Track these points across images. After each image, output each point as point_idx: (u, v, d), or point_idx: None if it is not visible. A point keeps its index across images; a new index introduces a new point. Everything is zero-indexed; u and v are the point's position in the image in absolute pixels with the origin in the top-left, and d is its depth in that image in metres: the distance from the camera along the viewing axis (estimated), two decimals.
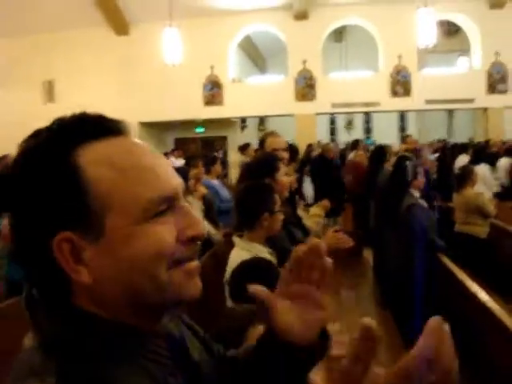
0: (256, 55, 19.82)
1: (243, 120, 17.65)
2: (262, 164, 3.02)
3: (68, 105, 10.71)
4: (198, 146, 16.80)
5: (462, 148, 9.97)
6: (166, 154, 13.02)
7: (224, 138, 16.84)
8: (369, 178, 6.82)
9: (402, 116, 22.12)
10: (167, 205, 0.73)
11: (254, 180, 2.62)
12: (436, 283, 3.96)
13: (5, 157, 10.01)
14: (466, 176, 5.57)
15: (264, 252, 2.38)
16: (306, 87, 14.30)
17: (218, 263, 4.80)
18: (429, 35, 11.55)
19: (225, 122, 16.37)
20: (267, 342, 0.85)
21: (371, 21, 14.16)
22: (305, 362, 0.84)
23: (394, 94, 14.13)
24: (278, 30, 14.60)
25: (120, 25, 14.79)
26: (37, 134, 0.78)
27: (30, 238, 0.71)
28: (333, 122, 22.39)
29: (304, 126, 14.45)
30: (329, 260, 0.79)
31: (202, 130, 16.77)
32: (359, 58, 17.78)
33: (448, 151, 10.27)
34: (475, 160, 8.36)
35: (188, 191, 4.84)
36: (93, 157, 0.72)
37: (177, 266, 0.73)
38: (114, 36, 14.99)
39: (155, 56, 14.28)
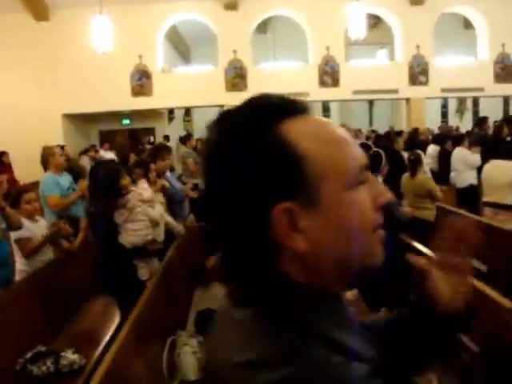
0: (180, 45, 19.47)
1: (171, 111, 17.33)
2: None
3: None
4: (124, 138, 16.30)
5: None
6: (93, 147, 12.54)
7: (151, 130, 16.45)
8: None
9: (326, 106, 22.66)
10: (363, 174, 0.77)
11: None
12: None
13: None
14: (417, 162, 5.78)
15: None
16: (236, 77, 14.26)
17: (185, 255, 4.70)
18: (359, 28, 11.86)
19: (152, 114, 15.99)
20: (422, 309, 0.94)
21: (300, 12, 14.32)
22: (453, 328, 0.95)
23: (323, 84, 14.43)
24: (208, 20, 14.41)
25: (40, 10, 13.97)
26: (229, 115, 0.82)
27: (246, 211, 0.73)
28: None
29: None
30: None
31: (128, 121, 16.29)
32: (286, 48, 17.95)
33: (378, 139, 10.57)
34: (409, 147, 8.70)
35: (149, 182, 4.69)
36: (299, 131, 0.75)
37: (373, 232, 0.78)
38: (33, 22, 14.13)
39: (80, 44, 13.67)
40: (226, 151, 0.75)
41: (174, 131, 18.34)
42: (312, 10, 14.15)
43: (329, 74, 14.41)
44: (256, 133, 0.74)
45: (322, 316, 0.74)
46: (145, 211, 3.89)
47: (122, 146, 14.93)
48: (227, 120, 0.81)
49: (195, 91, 14.02)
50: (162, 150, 5.32)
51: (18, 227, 3.84)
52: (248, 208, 0.73)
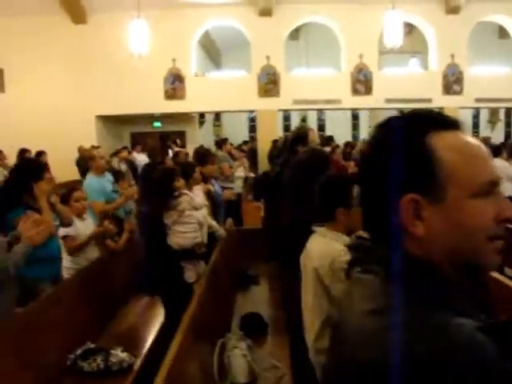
0: (212, 50, 19.62)
1: (202, 115, 17.44)
2: (314, 161, 2.97)
3: (19, 95, 10.38)
4: (155, 140, 16.46)
5: None
6: (125, 148, 12.65)
7: (182, 133, 16.57)
8: None
9: (355, 115, 22.59)
10: (492, 188, 0.92)
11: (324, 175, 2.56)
12: None
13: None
14: None
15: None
16: (269, 83, 14.29)
17: (227, 258, 4.73)
18: (395, 36, 11.80)
19: (183, 117, 16.13)
20: None
21: (334, 20, 14.30)
22: None
23: (355, 92, 14.37)
24: (242, 26, 14.47)
25: (78, 13, 14.22)
26: (392, 121, 0.97)
27: (383, 201, 0.93)
28: (287, 119, 22.52)
29: (266, 122, 14.44)
30: None
31: (159, 124, 16.45)
32: (318, 55, 17.95)
33: None
34: None
35: (193, 183, 4.71)
36: (443, 142, 0.92)
37: (491, 240, 0.91)
38: (71, 25, 14.39)
39: (115, 47, 13.85)
40: (384, 148, 0.94)
41: (205, 135, 18.51)
42: (346, 18, 14.13)
43: (362, 82, 14.35)
44: (408, 137, 0.92)
45: (437, 284, 0.88)
46: (193, 214, 3.92)
47: (153, 148, 15.11)
48: (390, 125, 0.97)
49: (227, 96, 14.09)
50: (211, 155, 5.36)
51: (69, 224, 3.90)
52: (390, 192, 0.90)
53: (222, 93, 14.10)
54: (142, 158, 12.90)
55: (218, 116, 20.57)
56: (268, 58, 14.23)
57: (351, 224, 2.41)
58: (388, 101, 14.42)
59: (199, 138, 17.05)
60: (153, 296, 4.50)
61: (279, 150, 6.03)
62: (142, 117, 15.75)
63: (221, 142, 8.88)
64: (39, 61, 14.28)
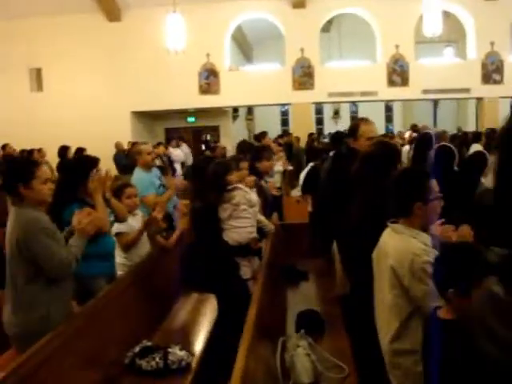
0: (243, 43, 19.53)
1: (235, 110, 17.38)
2: (385, 155, 2.86)
3: (56, 93, 10.46)
4: (189, 135, 16.48)
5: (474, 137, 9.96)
6: (159, 144, 12.62)
7: (216, 128, 16.57)
8: None
9: (389, 106, 22.24)
10: None
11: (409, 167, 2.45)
12: None
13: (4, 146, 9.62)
14: None
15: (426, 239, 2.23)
16: (303, 76, 14.14)
17: (276, 254, 4.65)
18: (434, 25, 11.52)
19: (217, 112, 16.11)
20: None
21: (370, 10, 14.06)
22: None
23: (391, 83, 14.10)
24: (275, 19, 14.34)
25: (112, 10, 14.30)
26: None
27: None
28: (319, 111, 22.29)
29: (300, 115, 14.30)
30: None
31: (193, 119, 16.47)
32: (350, 47, 17.68)
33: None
34: (489, 147, 8.36)
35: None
36: None
37: None
38: (106, 22, 14.48)
39: (149, 43, 13.94)
40: None
41: (238, 129, 18.47)
42: (382, 8, 13.86)
43: (398, 73, 14.07)
44: None
45: None
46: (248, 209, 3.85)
47: (187, 143, 15.11)
48: None
49: (262, 90, 14.01)
50: (267, 151, 5.27)
51: (124, 219, 3.88)
52: None
53: (256, 86, 14.03)
54: (177, 153, 12.93)
55: (250, 110, 20.48)
56: (302, 50, 14.08)
57: (427, 220, 2.30)
58: (425, 91, 14.12)
59: (233, 132, 17.02)
60: (203, 293, 4.45)
61: (326, 144, 5.91)
62: (176, 112, 15.80)
63: (260, 136, 8.76)
64: (75, 59, 14.44)
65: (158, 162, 11.28)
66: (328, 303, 4.27)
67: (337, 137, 6.13)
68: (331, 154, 4.99)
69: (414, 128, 11.29)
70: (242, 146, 6.33)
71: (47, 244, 2.75)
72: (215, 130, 16.60)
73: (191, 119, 16.46)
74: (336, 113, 22.38)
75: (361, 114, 22.48)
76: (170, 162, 12.34)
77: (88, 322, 3.07)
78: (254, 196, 4.06)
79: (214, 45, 14.14)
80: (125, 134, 14.06)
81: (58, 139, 12.64)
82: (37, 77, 15.11)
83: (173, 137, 14.59)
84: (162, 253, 4.50)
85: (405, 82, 14.06)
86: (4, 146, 9.89)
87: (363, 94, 14.26)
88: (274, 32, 16.74)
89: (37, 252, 2.73)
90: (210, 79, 14.26)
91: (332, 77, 14.13)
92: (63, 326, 2.79)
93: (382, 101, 16.64)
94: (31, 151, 9.96)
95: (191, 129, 16.67)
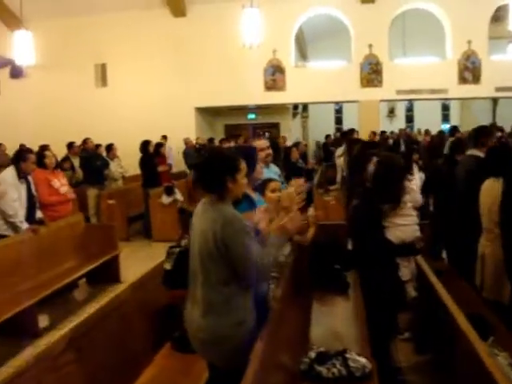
0: (300, 40, 19.26)
1: (295, 107, 17.17)
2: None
3: (121, 89, 10.47)
4: (248, 132, 16.34)
5: None
6: (221, 142, 12.47)
7: (276, 125, 16.40)
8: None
9: (445, 105, 21.72)
10: None
11: None
12: None
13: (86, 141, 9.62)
14: None
15: None
16: (371, 73, 13.83)
17: None
18: None
19: (277, 109, 15.94)
20: None
21: (441, 5, 13.65)
22: None
23: (463, 80, 13.67)
24: (343, 14, 14.05)
25: (177, 6, 14.24)
26: None
27: None
28: None
29: (368, 113, 13.99)
30: None
31: (253, 116, 16.34)
32: (415, 43, 17.23)
33: None
34: None
35: None
36: None
37: None
38: (171, 18, 14.43)
39: (215, 39, 13.85)
40: None
41: (297, 126, 18.28)
42: (453, 2, 13.45)
43: (469, 70, 13.62)
44: None
45: None
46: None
47: (245, 140, 14.95)
48: None
49: (328, 87, 13.76)
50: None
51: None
52: None
53: (322, 83, 13.79)
54: None
55: (305, 107, 20.25)
56: (370, 46, 13.76)
57: None
58: (498, 89, 13.62)
59: (293, 129, 16.86)
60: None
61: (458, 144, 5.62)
62: (236, 109, 15.68)
63: (348, 133, 8.56)
64: (140, 55, 14.45)
65: None
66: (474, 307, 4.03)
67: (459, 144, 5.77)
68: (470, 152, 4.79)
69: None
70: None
71: (247, 244, 2.56)
72: (275, 127, 16.43)
73: (251, 116, 16.34)
74: (391, 111, 21.96)
75: (416, 113, 22.12)
76: None
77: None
78: (419, 196, 3.86)
79: (281, 41, 13.95)
80: (189, 129, 14.03)
81: (122, 134, 12.70)
82: (102, 72, 15.19)
83: (236, 133, 14.42)
84: (299, 249, 4.32)
85: (476, 79, 13.60)
86: (85, 141, 9.89)
87: (432, 91, 13.87)
88: (331, 28, 16.53)
89: (236, 252, 2.55)
90: (275, 75, 14.07)
91: (400, 74, 13.78)
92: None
93: (452, 99, 16.24)
94: (110, 146, 9.93)
95: (251, 125, 16.53)
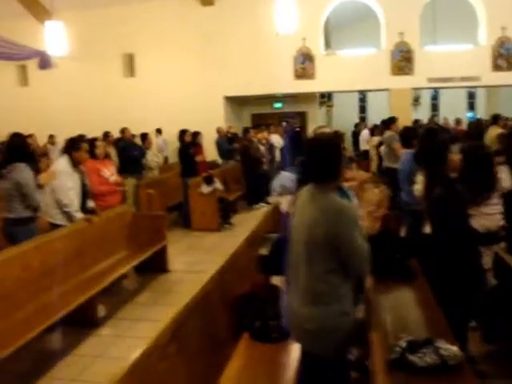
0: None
1: (322, 95, 17.02)
2: None
3: (148, 78, 10.51)
4: (275, 121, 16.23)
5: None
6: (247, 130, 12.29)
7: (303, 114, 16.28)
8: None
9: (471, 93, 21.42)
10: None
11: None
12: None
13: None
14: None
15: None
16: (402, 61, 13.65)
17: None
18: None
19: (304, 98, 15.81)
20: None
21: None
22: None
23: (497, 67, 13.43)
24: (374, 1, 13.84)
25: None
26: None
27: None
28: None
29: (398, 101, 13.81)
30: None
31: (280, 105, 16.23)
32: (446, 30, 16.93)
33: None
34: None
35: None
36: None
37: None
38: (199, 7, 14.34)
39: (243, 27, 13.78)
40: None
41: (323, 114, 18.14)
42: None
43: (504, 57, 13.38)
44: None
45: None
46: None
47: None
48: None
49: (358, 75, 13.61)
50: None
51: None
52: None
53: (351, 72, 13.64)
54: (276, 140, 12.73)
55: (329, 96, 20.08)
56: (402, 34, 13.57)
57: None
58: None
59: (320, 118, 16.74)
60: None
61: None
62: (263, 97, 15.58)
63: (389, 122, 8.45)
64: (167, 44, 14.42)
65: (262, 148, 11.17)
66: None
67: None
68: None
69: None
70: (407, 133, 6.09)
71: (357, 235, 2.52)
72: (302, 116, 16.31)
73: (278, 105, 16.24)
74: (416, 99, 21.66)
75: (441, 102, 21.83)
76: (270, 147, 12.17)
77: None
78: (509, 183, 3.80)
79: (310, 29, 13.79)
80: (218, 119, 13.97)
81: (150, 124, 12.67)
82: (129, 62, 15.17)
83: (267, 123, 14.31)
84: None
85: (511, 66, 13.36)
86: (122, 130, 9.88)
87: (464, 79, 13.64)
88: (357, 15, 16.34)
89: (348, 243, 2.50)
90: (305, 64, 13.95)
91: (432, 61, 13.55)
92: None
93: (484, 86, 15.96)
94: (145, 135, 9.93)
95: (278, 114, 16.42)
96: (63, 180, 5.39)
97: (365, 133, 13.74)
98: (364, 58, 14.18)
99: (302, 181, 3.63)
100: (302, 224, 2.61)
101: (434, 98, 22.01)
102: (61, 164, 5.55)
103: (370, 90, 15.38)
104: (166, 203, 9.12)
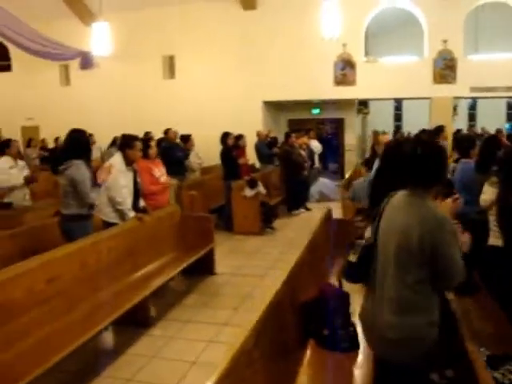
0: None
1: (360, 102, 16.86)
2: None
3: (188, 81, 10.52)
4: (312, 127, 16.13)
5: None
6: (288, 135, 12.22)
7: (341, 120, 16.14)
8: None
9: (510, 104, 20.99)
10: None
11: None
12: None
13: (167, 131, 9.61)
14: None
15: None
16: (445, 69, 13.43)
17: None
18: None
19: (341, 104, 15.67)
20: None
21: None
22: None
23: None
24: (417, 8, 13.67)
25: None
26: None
27: None
28: None
29: (440, 110, 13.59)
30: None
31: (318, 111, 16.12)
32: (489, 38, 16.64)
33: None
34: None
35: None
36: None
37: None
38: (241, 10, 14.36)
39: (284, 33, 13.75)
40: None
41: (359, 121, 17.99)
42: None
43: None
44: None
45: None
46: None
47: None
48: None
49: (399, 82, 13.45)
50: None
51: None
52: None
53: (392, 79, 13.49)
54: (316, 145, 12.64)
55: (365, 103, 19.89)
56: (445, 41, 13.35)
57: None
58: None
59: (357, 125, 16.60)
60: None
61: None
62: (301, 103, 15.50)
63: (437, 131, 8.28)
64: (208, 47, 14.47)
65: (303, 153, 11.08)
66: None
67: None
68: None
69: None
70: (464, 142, 5.94)
71: (455, 250, 2.42)
72: (339, 123, 16.18)
73: (316, 111, 16.13)
74: (454, 109, 21.29)
75: (479, 112, 21.43)
76: (311, 152, 12.08)
77: None
78: None
79: (351, 34, 13.66)
80: (256, 123, 13.92)
81: (189, 126, 12.67)
82: (169, 64, 15.27)
83: (307, 128, 14.20)
84: None
85: None
86: (166, 131, 9.91)
87: (509, 89, 13.36)
88: (395, 22, 16.16)
89: (445, 254, 2.39)
90: (345, 70, 13.83)
91: (474, 70, 13.31)
92: None
93: None
94: (188, 136, 9.94)
95: (315, 120, 16.32)
96: (117, 177, 5.37)
97: None
98: (405, 65, 13.99)
99: (378, 187, 3.54)
100: (394, 230, 2.51)
101: (472, 107, 21.63)
102: (116, 161, 5.53)
103: (411, 98, 15.15)
104: (208, 205, 9.09)
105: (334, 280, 4.05)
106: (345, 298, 3.50)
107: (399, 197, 2.59)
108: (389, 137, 5.08)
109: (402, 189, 2.64)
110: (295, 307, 3.49)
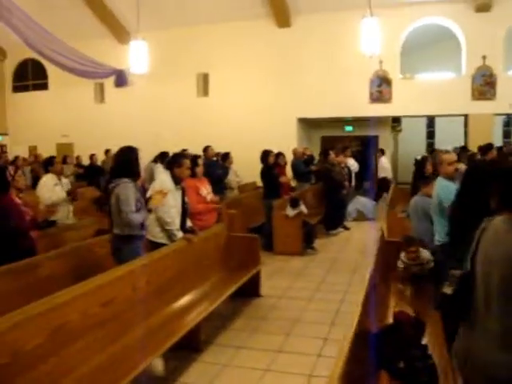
0: None
1: (394, 119, 16.63)
2: None
3: (222, 98, 10.44)
4: (348, 145, 15.92)
5: None
6: (327, 152, 12.07)
7: (375, 138, 15.91)
8: None
9: None
10: None
11: None
12: None
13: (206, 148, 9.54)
14: None
15: None
16: (484, 85, 13.15)
17: None
18: None
19: (375, 121, 15.46)
20: None
21: None
22: None
23: None
24: (455, 24, 13.46)
25: (282, 16, 14.11)
26: None
27: None
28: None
29: (478, 127, 13.29)
30: None
31: (351, 128, 15.95)
32: None
33: None
34: None
35: None
36: None
37: None
38: (276, 28, 14.33)
39: (318, 49, 13.66)
40: None
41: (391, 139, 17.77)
42: None
43: None
44: None
45: None
46: None
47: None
48: None
49: (436, 99, 13.21)
50: None
51: None
52: None
53: (429, 96, 13.26)
54: (352, 163, 12.42)
55: (398, 120, 19.63)
56: (484, 57, 13.09)
57: None
58: None
59: (391, 142, 16.36)
60: None
61: None
62: (334, 120, 15.35)
63: (486, 148, 8.06)
64: (242, 65, 14.48)
65: (343, 171, 10.88)
66: None
67: None
68: None
69: None
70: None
71: None
72: (375, 140, 15.96)
73: (349, 128, 15.95)
74: (506, 125, 20.85)
75: None
76: (348, 171, 11.86)
77: None
78: None
79: (387, 51, 13.45)
80: (291, 140, 13.80)
81: (223, 144, 12.59)
82: (203, 82, 15.29)
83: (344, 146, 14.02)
84: None
85: None
86: (206, 149, 9.81)
87: None
88: (431, 38, 15.92)
89: None
90: (381, 87, 13.66)
91: None
92: None
93: None
94: (227, 154, 9.85)
95: (348, 138, 16.12)
96: (166, 197, 5.26)
97: None
98: (442, 81, 13.76)
99: (475, 210, 3.30)
100: (496, 259, 2.31)
101: (506, 124, 21.17)
102: (165, 180, 5.42)
103: (449, 115, 14.87)
104: (247, 224, 8.93)
105: (406, 308, 3.83)
106: (421, 328, 3.29)
107: (497, 223, 2.39)
108: (454, 156, 4.83)
109: (488, 215, 2.44)
110: (366, 336, 3.30)
